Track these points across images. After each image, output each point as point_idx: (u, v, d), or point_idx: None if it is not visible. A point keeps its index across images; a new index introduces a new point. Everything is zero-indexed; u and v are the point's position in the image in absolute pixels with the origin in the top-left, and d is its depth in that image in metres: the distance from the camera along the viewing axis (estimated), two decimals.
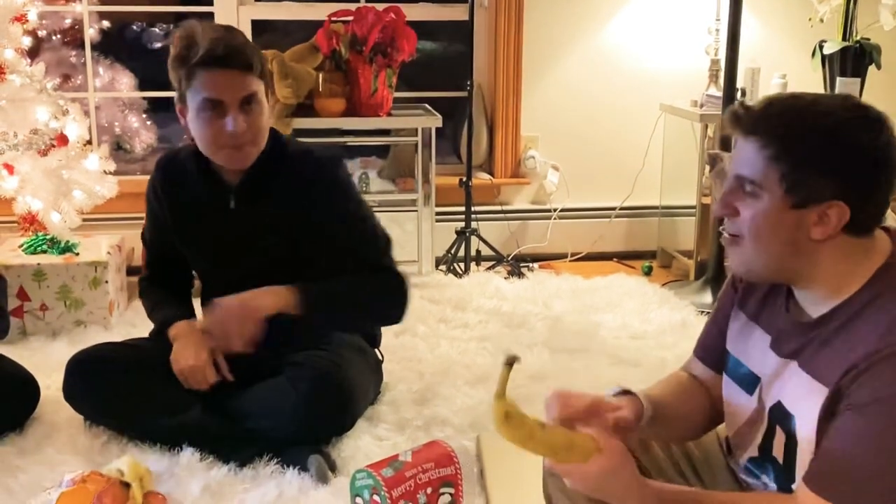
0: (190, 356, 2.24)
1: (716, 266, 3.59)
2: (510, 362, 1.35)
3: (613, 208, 4.19)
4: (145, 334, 2.51)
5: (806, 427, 1.32)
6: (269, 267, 2.31)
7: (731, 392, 1.52)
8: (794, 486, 1.36)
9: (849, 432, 1.26)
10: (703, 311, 3.35)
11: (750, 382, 1.47)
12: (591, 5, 4.03)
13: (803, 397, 1.33)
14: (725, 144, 3.43)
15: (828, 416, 1.29)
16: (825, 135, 1.28)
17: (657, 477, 1.56)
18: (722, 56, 3.56)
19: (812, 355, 1.34)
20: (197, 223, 2.35)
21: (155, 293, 2.49)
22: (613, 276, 3.76)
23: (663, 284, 3.70)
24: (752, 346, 1.48)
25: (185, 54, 2.13)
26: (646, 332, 3.16)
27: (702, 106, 3.79)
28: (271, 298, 2.19)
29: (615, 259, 4.16)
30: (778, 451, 1.40)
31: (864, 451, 1.23)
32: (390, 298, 2.37)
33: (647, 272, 3.96)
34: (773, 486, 1.43)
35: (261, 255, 2.33)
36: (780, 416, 1.39)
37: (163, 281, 2.49)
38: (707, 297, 3.52)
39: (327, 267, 2.33)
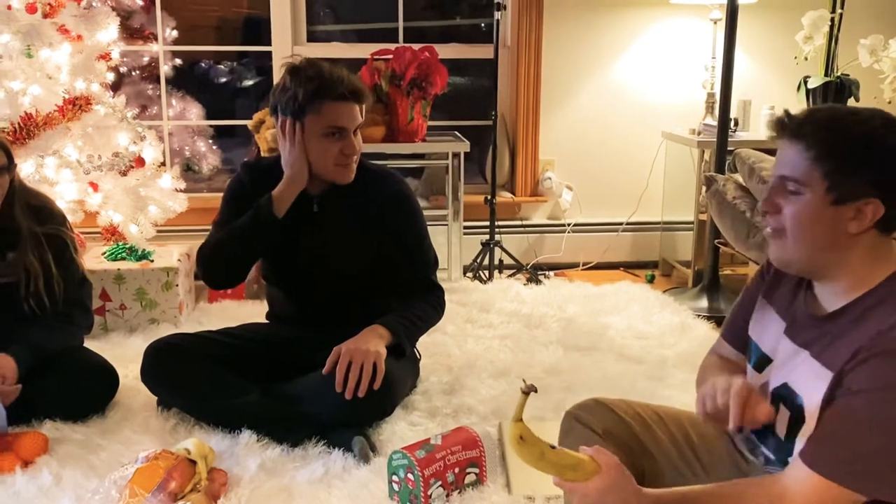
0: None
1: (711, 275, 3.56)
2: (527, 391, 1.35)
3: (620, 223, 4.16)
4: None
5: (811, 408, 1.31)
6: (341, 267, 2.35)
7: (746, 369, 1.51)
8: (790, 459, 1.35)
9: (843, 416, 1.24)
10: (699, 315, 3.31)
11: (761, 362, 1.46)
12: (601, 45, 4.02)
13: (811, 382, 1.31)
14: (720, 168, 3.41)
15: (829, 399, 1.27)
16: (863, 139, 1.27)
17: (663, 460, 1.55)
18: (717, 89, 3.54)
19: (824, 347, 1.32)
20: (282, 221, 2.32)
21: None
22: (620, 284, 3.72)
23: (664, 291, 3.67)
24: (768, 330, 1.47)
25: (318, 88, 2.19)
26: (649, 332, 3.12)
27: (699, 134, 3.77)
28: (379, 340, 2.21)
29: (622, 268, 4.13)
30: (780, 427, 1.39)
31: (854, 434, 1.22)
32: (441, 313, 2.47)
33: (650, 280, 3.93)
34: (771, 456, 1.42)
35: (335, 255, 2.35)
36: (786, 397, 1.37)
37: None
38: (703, 303, 3.49)
39: (385, 274, 2.38)
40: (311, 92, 2.19)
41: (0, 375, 2.14)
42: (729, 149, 3.43)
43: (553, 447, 1.35)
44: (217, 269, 2.37)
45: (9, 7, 2.94)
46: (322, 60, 2.29)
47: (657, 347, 2.96)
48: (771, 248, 1.38)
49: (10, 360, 2.18)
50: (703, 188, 3.33)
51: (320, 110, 2.20)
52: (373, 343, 2.19)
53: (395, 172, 2.47)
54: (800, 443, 1.32)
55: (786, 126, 1.33)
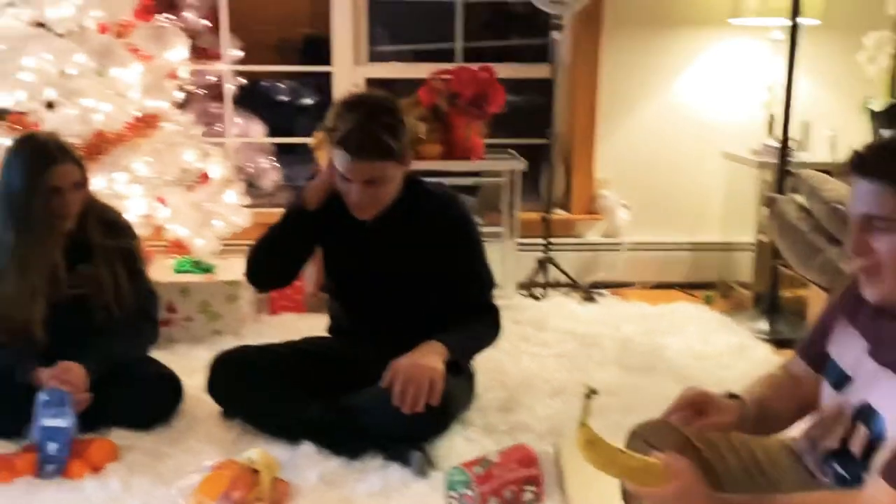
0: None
1: (771, 297, 3.52)
2: (590, 394, 1.35)
3: (678, 243, 4.13)
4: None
5: (893, 427, 1.29)
6: (394, 283, 2.37)
7: (821, 388, 1.50)
8: (863, 475, 1.33)
9: None
10: (759, 337, 3.27)
11: (840, 381, 1.45)
12: (660, 64, 4.01)
13: (894, 401, 1.30)
14: (781, 189, 3.37)
15: None
16: None
17: (729, 481, 1.54)
18: (778, 110, 3.51)
19: None
20: (337, 235, 2.37)
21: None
22: (677, 304, 3.69)
23: (723, 312, 3.62)
24: (849, 349, 1.46)
25: (332, 129, 2.19)
26: (707, 353, 3.08)
27: (760, 154, 3.73)
28: (437, 357, 2.21)
29: (678, 288, 4.09)
30: (856, 446, 1.38)
31: None
32: (497, 332, 2.45)
33: (708, 301, 3.88)
34: (845, 475, 1.41)
35: (389, 272, 2.37)
36: (867, 416, 1.36)
37: None
38: (763, 325, 3.44)
39: (439, 293, 2.37)
40: (336, 135, 2.19)
41: (71, 384, 2.21)
42: (789, 169, 3.39)
43: (622, 451, 1.35)
44: (257, 269, 2.40)
45: (83, 28, 3.05)
46: (361, 100, 2.25)
47: (716, 368, 2.93)
48: (866, 288, 1.37)
49: (81, 369, 2.25)
50: (764, 209, 3.29)
51: (336, 152, 2.20)
52: (430, 359, 2.20)
53: (455, 193, 2.48)
54: (877, 461, 1.30)
55: (862, 164, 1.32)
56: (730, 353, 3.08)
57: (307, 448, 2.19)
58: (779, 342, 3.21)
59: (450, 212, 2.40)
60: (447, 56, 4.18)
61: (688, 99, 4.04)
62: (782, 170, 3.40)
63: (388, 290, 2.39)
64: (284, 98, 5.52)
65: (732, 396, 1.52)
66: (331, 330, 2.62)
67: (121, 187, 3.01)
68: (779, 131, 3.43)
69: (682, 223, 4.11)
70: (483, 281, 2.44)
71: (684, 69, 4.02)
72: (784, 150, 3.39)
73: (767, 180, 3.63)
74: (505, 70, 3.89)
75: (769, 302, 3.51)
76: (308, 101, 5.60)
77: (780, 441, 1.61)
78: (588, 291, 3.82)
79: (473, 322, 2.40)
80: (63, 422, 2.13)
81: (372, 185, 2.21)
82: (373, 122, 2.16)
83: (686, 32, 3.98)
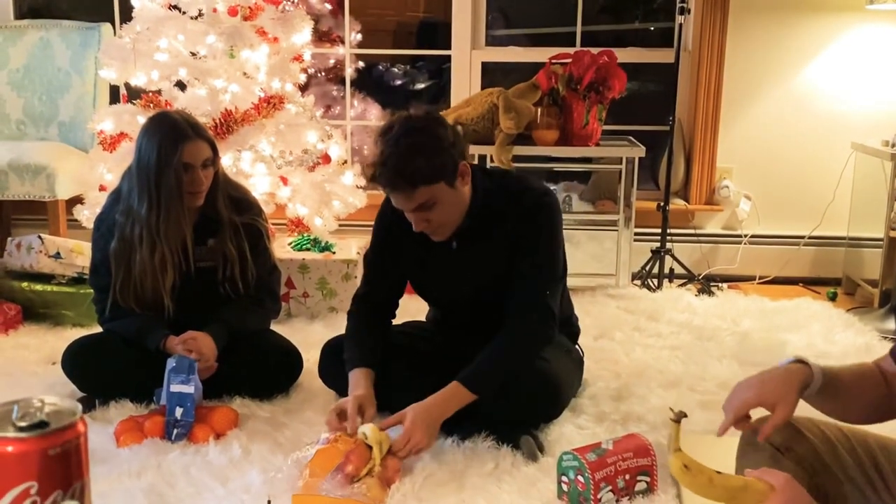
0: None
1: None
2: (678, 419, 1.34)
3: (802, 237, 3.98)
4: None
5: None
6: (483, 295, 2.29)
7: None
8: None
9: None
10: (886, 337, 3.13)
11: None
12: (789, 51, 3.87)
13: None
14: None
15: None
16: None
17: (848, 483, 1.49)
18: None
19: None
20: (421, 256, 2.32)
21: (357, 322, 2.37)
22: (799, 300, 3.55)
23: (848, 310, 3.47)
24: None
25: (371, 165, 2.08)
26: (830, 352, 2.96)
27: (893, 146, 3.55)
28: (451, 409, 2.11)
29: (801, 284, 3.95)
30: None
31: None
32: (535, 348, 2.21)
33: (832, 298, 3.74)
34: None
35: (476, 287, 2.30)
36: None
37: (374, 301, 2.41)
38: (891, 324, 3.28)
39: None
40: (371, 170, 2.13)
41: (198, 352, 2.31)
42: None
43: (718, 472, 1.34)
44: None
45: (214, 10, 3.17)
46: (395, 128, 2.05)
47: None
48: None
49: (210, 339, 2.34)
50: None
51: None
52: (439, 419, 2.09)
53: (539, 185, 2.32)
54: None
55: None
56: (855, 353, 2.96)
57: None
58: None
59: (527, 203, 2.22)
60: (563, 41, 4.14)
61: (817, 87, 3.89)
62: None
63: (478, 300, 2.33)
64: (398, 82, 5.59)
65: (800, 361, 1.47)
66: (429, 318, 2.63)
67: (246, 166, 3.10)
68: None
69: (806, 216, 3.96)
70: (544, 276, 2.21)
71: (815, 56, 3.87)
72: None
73: None
74: (626, 54, 3.83)
75: None
76: (422, 85, 5.66)
77: None
78: (705, 284, 3.73)
79: (508, 340, 2.18)
80: (189, 388, 2.23)
81: (426, 210, 2.08)
82: (400, 149, 2.00)
83: (819, 18, 3.82)
